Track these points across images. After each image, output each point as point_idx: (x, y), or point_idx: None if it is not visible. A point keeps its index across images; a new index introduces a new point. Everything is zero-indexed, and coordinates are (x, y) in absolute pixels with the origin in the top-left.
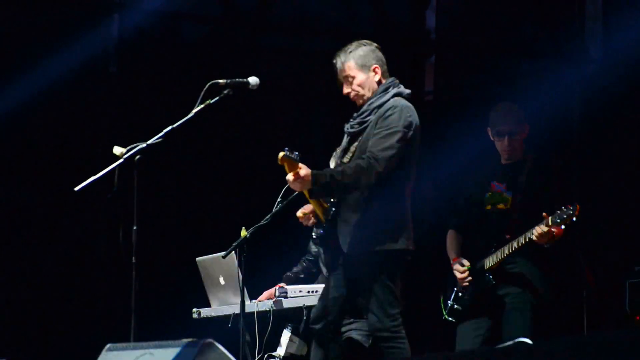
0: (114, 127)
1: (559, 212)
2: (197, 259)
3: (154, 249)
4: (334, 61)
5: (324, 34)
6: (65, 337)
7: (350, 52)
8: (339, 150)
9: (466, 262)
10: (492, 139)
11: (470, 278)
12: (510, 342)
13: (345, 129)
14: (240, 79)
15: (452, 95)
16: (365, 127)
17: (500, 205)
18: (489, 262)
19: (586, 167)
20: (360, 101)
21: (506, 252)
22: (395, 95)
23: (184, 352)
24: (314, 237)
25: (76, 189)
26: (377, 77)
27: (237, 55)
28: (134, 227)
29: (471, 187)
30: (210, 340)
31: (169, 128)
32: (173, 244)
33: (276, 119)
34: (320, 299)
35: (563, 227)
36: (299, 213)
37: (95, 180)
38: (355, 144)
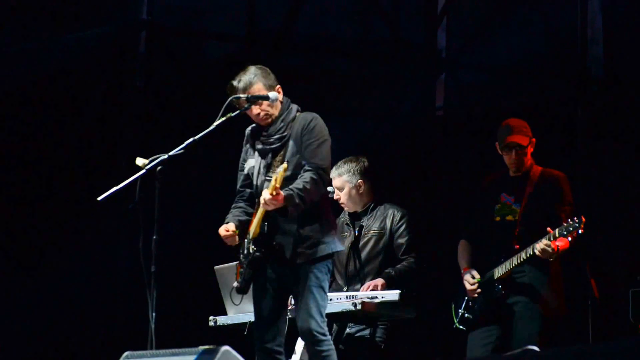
0: (139, 139)
1: (564, 224)
2: (215, 267)
3: (173, 258)
4: (236, 84)
5: (340, 53)
6: (85, 344)
7: (255, 75)
8: (257, 166)
9: (476, 275)
10: (500, 153)
11: (479, 290)
12: (518, 350)
13: (259, 147)
14: (261, 94)
15: (462, 110)
16: (286, 142)
17: (509, 217)
18: (498, 272)
19: (589, 178)
20: (269, 120)
21: (515, 262)
22: (297, 110)
23: (201, 359)
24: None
25: (99, 198)
26: (280, 96)
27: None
28: (154, 237)
29: (481, 199)
30: (227, 347)
31: (191, 140)
32: (192, 253)
33: None
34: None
35: (569, 239)
36: (222, 231)
37: (117, 190)
38: (278, 158)
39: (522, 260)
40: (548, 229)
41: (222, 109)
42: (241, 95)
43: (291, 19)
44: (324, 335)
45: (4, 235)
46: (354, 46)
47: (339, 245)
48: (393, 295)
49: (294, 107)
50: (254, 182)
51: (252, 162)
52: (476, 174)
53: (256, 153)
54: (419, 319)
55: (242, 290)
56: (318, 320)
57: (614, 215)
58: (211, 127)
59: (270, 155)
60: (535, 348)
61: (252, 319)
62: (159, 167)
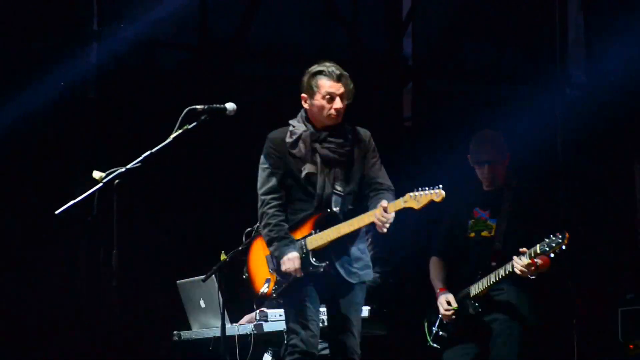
0: (93, 152)
1: (547, 240)
2: (178, 282)
3: (135, 272)
4: (338, 74)
5: (300, 62)
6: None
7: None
8: (321, 175)
9: (453, 301)
10: (472, 166)
11: (454, 317)
12: None
13: (325, 153)
14: (218, 105)
15: (431, 121)
16: (351, 156)
17: (484, 233)
18: (475, 289)
19: (572, 193)
20: (333, 122)
21: (492, 280)
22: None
23: None
24: None
25: (56, 212)
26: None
27: (213, 82)
28: (114, 251)
29: (453, 213)
30: None
31: (148, 153)
32: (153, 267)
33: (253, 145)
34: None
35: (552, 255)
36: (295, 267)
37: (75, 204)
38: (343, 170)
39: (500, 277)
40: (522, 249)
41: (179, 121)
42: (197, 107)
43: (245, 25)
44: (359, 356)
45: None
46: (312, 54)
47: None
48: (363, 311)
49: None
50: (318, 191)
51: (311, 168)
52: (447, 187)
53: (318, 158)
54: (390, 335)
55: (270, 299)
56: (358, 340)
57: (600, 232)
58: (168, 140)
59: (338, 167)
60: None
61: (217, 334)
62: (117, 181)
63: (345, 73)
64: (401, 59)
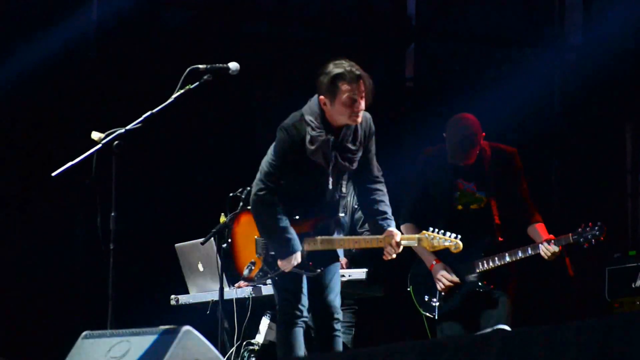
0: (93, 112)
1: (580, 230)
2: (176, 245)
3: (132, 236)
4: (356, 75)
5: (306, 21)
6: (42, 324)
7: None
8: (331, 179)
9: (454, 276)
10: (446, 147)
11: (456, 291)
12: (489, 329)
13: (340, 161)
14: (220, 65)
15: (432, 82)
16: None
17: (474, 206)
18: (483, 265)
19: (566, 155)
20: (355, 124)
21: (507, 259)
22: None
23: (161, 339)
24: None
25: (53, 174)
26: None
27: (219, 41)
28: (112, 214)
29: (430, 179)
30: (188, 327)
31: (148, 113)
32: (151, 230)
33: (257, 105)
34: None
35: (585, 246)
36: (294, 263)
37: (72, 165)
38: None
39: (517, 258)
40: (551, 236)
41: (181, 81)
42: (200, 66)
43: None
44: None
45: None
46: (318, 13)
47: None
48: (360, 273)
49: None
50: (327, 198)
51: (325, 175)
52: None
53: (334, 169)
54: (386, 297)
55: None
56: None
57: (591, 193)
58: (169, 100)
59: (346, 173)
60: (507, 327)
61: (215, 297)
62: (116, 142)
63: (364, 73)
64: (405, 20)
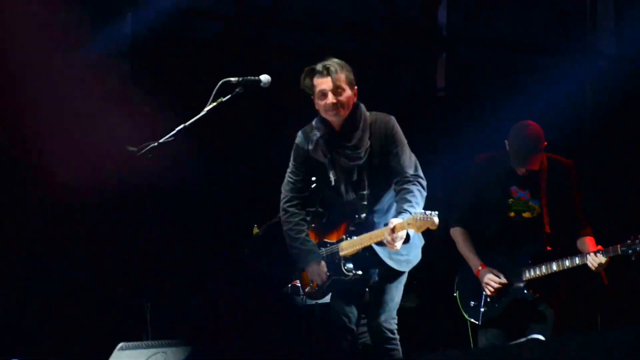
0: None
1: (629, 242)
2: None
3: (168, 247)
4: (324, 68)
5: (337, 31)
6: (78, 335)
7: (342, 66)
8: (343, 183)
9: (502, 277)
10: (509, 152)
11: (503, 298)
12: (523, 339)
13: (343, 161)
14: (252, 77)
15: (464, 91)
16: (370, 154)
17: (526, 214)
18: (530, 274)
19: (598, 163)
20: (337, 117)
21: (554, 268)
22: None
23: (197, 350)
24: None
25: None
26: (354, 99)
27: (249, 53)
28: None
29: (482, 186)
30: None
31: (181, 126)
32: (186, 240)
33: (288, 116)
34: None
35: (634, 258)
36: (324, 277)
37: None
38: (364, 173)
39: (564, 267)
40: (599, 247)
41: (213, 94)
42: (231, 79)
43: None
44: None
45: None
46: (348, 23)
47: None
48: None
49: (362, 106)
50: (344, 199)
51: (333, 175)
52: (498, 157)
53: (335, 166)
54: (421, 308)
55: (315, 297)
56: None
57: (625, 202)
58: (202, 113)
59: (356, 171)
60: (541, 337)
61: None
62: (150, 155)
63: (336, 65)
64: (436, 29)
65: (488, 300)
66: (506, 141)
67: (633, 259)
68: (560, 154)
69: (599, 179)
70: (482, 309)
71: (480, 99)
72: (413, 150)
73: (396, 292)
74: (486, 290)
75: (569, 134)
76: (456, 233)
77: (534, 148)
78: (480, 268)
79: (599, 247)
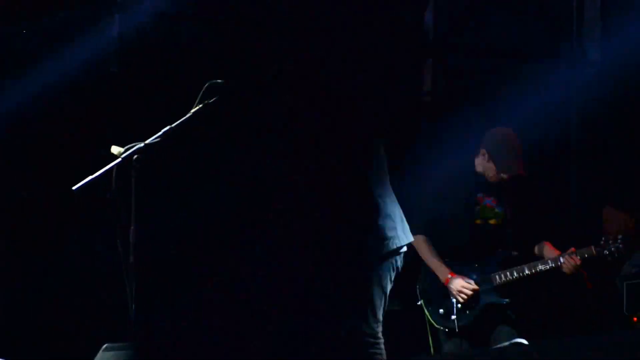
0: (114, 127)
1: (602, 242)
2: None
3: (153, 248)
4: None
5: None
6: (63, 337)
7: None
8: None
9: (474, 284)
10: (483, 160)
11: (474, 304)
12: (506, 343)
13: None
14: (235, 81)
15: (450, 96)
16: None
17: (493, 221)
18: (500, 279)
19: (584, 170)
20: None
21: (526, 271)
22: None
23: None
24: None
25: (74, 188)
26: None
27: (237, 56)
28: (132, 227)
29: (450, 195)
30: None
31: (167, 128)
32: (172, 242)
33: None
34: None
35: (609, 259)
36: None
37: (93, 179)
38: None
39: (536, 271)
40: (572, 249)
41: (199, 96)
42: (217, 81)
43: None
44: None
45: None
46: (333, 24)
47: None
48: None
49: None
50: None
51: None
52: (465, 163)
53: None
54: (405, 311)
55: None
56: None
57: (609, 203)
58: (187, 115)
59: None
60: (524, 341)
61: None
62: (135, 156)
63: None
64: (422, 34)
65: (459, 307)
66: (483, 149)
67: (609, 259)
68: (546, 160)
69: (585, 184)
70: (453, 317)
71: (466, 104)
72: (398, 154)
73: None
74: (458, 297)
75: (554, 140)
76: (419, 240)
77: (521, 153)
78: (449, 276)
79: (572, 248)
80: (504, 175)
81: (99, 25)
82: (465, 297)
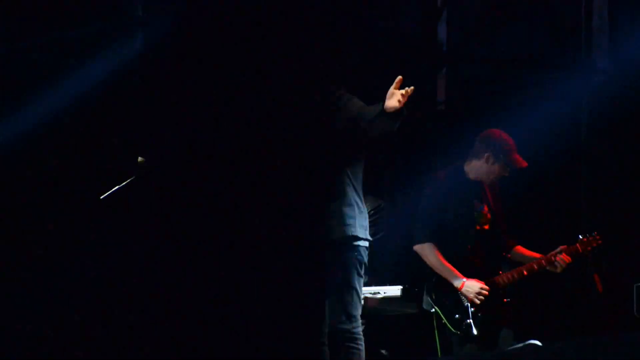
0: (138, 139)
1: (585, 239)
2: None
3: (170, 253)
4: None
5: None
6: (81, 344)
7: None
8: None
9: (485, 286)
10: (485, 164)
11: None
12: (520, 344)
13: None
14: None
15: (464, 105)
16: None
17: (486, 226)
18: (503, 281)
19: (593, 176)
20: None
21: (525, 273)
22: None
23: None
24: None
25: (102, 197)
26: None
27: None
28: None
29: (454, 202)
30: None
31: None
32: (188, 246)
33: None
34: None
35: (592, 252)
36: None
37: (119, 188)
38: None
39: (534, 271)
40: (563, 247)
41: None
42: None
43: None
44: None
45: None
46: (349, 37)
47: None
48: (395, 290)
49: None
50: None
51: None
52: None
53: None
54: (420, 314)
55: None
56: None
57: (619, 213)
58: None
59: None
60: (538, 342)
61: None
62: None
63: None
64: (436, 45)
65: (472, 311)
66: (488, 154)
67: (591, 255)
68: (556, 168)
69: (596, 192)
70: (469, 320)
71: (479, 113)
72: (413, 162)
73: None
74: (475, 300)
75: (564, 147)
76: (428, 249)
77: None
78: (464, 280)
79: (562, 246)
80: (506, 173)
81: (122, 40)
82: (482, 299)
